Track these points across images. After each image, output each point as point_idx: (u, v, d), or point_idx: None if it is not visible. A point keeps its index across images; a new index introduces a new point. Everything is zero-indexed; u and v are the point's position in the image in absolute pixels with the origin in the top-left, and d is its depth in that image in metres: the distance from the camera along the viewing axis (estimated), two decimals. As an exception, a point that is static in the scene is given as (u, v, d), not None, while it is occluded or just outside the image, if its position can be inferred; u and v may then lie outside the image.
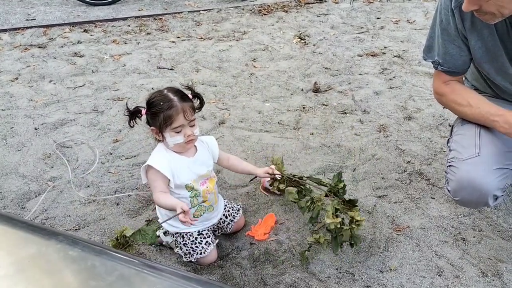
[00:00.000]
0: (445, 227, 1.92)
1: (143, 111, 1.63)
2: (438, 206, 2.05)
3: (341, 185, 1.77)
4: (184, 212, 1.49)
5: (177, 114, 1.57)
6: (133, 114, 1.64)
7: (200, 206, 1.70)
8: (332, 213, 1.64)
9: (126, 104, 1.67)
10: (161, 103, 1.58)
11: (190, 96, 1.67)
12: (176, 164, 1.64)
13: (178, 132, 1.60)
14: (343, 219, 1.67)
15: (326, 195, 1.78)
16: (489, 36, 1.50)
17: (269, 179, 2.11)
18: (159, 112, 1.57)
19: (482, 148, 1.58)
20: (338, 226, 1.62)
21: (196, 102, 1.70)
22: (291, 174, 1.92)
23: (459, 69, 1.65)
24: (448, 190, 1.67)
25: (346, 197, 1.78)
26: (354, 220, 1.65)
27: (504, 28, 1.46)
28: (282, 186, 1.86)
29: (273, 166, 1.92)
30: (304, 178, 1.89)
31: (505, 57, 1.52)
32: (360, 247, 1.83)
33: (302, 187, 1.85)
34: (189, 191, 1.67)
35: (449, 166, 1.66)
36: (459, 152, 1.63)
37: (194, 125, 1.64)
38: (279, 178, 1.89)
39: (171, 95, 1.60)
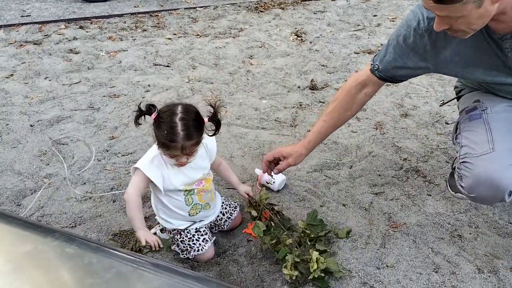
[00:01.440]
0: (441, 224, 1.93)
1: (153, 116, 1.52)
2: (435, 203, 2.05)
3: (323, 233, 1.77)
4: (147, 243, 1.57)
5: (175, 149, 1.50)
6: (143, 112, 1.53)
7: (195, 205, 1.69)
8: (291, 264, 1.59)
9: (139, 105, 1.53)
10: (165, 132, 1.48)
11: (206, 120, 1.56)
12: (169, 171, 1.59)
13: (172, 157, 1.55)
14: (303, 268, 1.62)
15: (298, 244, 1.72)
16: (465, 46, 1.53)
17: (267, 175, 2.12)
18: (160, 136, 1.50)
19: (495, 144, 1.58)
20: (294, 278, 1.59)
21: (209, 129, 1.60)
22: (271, 205, 1.89)
23: (388, 78, 1.75)
24: (462, 187, 1.65)
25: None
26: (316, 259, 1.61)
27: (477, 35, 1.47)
28: (254, 214, 1.84)
29: (250, 193, 1.90)
30: (280, 216, 1.85)
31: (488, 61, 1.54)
32: (357, 244, 1.83)
33: (273, 222, 1.81)
34: (182, 191, 1.65)
35: (463, 162, 1.63)
36: (472, 148, 1.62)
37: (191, 154, 1.56)
38: (253, 204, 1.87)
39: (178, 129, 1.47)
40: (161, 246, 1.64)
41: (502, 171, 1.52)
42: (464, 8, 1.26)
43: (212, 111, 1.59)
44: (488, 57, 1.53)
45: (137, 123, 1.53)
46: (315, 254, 1.61)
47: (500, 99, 1.71)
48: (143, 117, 1.54)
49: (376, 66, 1.73)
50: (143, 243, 1.59)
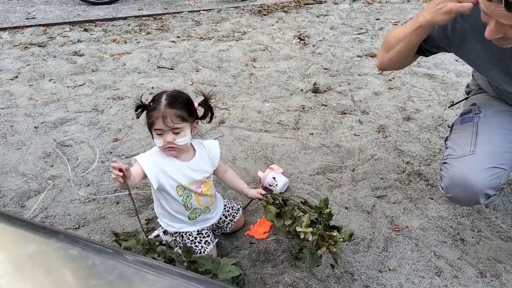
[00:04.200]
0: (444, 228, 1.93)
1: None
2: (437, 206, 2.05)
3: (327, 210, 1.68)
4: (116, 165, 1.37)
5: (157, 118, 1.51)
6: (143, 106, 1.56)
7: (194, 210, 1.68)
8: (306, 224, 1.55)
9: (140, 97, 1.59)
10: (151, 103, 1.55)
11: (196, 104, 1.59)
12: (167, 167, 1.59)
13: (160, 135, 1.54)
14: (317, 233, 1.55)
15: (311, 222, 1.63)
16: (491, 43, 1.50)
17: (269, 177, 2.12)
18: (147, 110, 1.55)
19: (477, 147, 1.60)
20: (310, 238, 1.51)
21: (200, 112, 1.62)
22: (282, 197, 1.78)
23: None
24: (442, 187, 1.69)
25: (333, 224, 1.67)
26: (332, 237, 1.56)
27: None
28: (273, 210, 1.72)
29: (263, 192, 1.84)
30: (293, 201, 1.75)
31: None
32: (360, 247, 1.83)
33: (286, 209, 1.71)
34: (180, 195, 1.63)
35: (444, 163, 1.68)
36: (454, 149, 1.66)
37: (178, 133, 1.54)
38: (270, 202, 1.77)
39: (163, 98, 1.54)
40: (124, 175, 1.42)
41: (477, 173, 1.54)
42: None
43: (201, 101, 1.63)
44: (509, 61, 1.52)
45: (137, 114, 1.58)
46: (329, 233, 1.53)
47: (498, 103, 1.72)
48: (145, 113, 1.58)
49: None
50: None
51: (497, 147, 1.60)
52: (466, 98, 1.97)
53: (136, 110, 1.58)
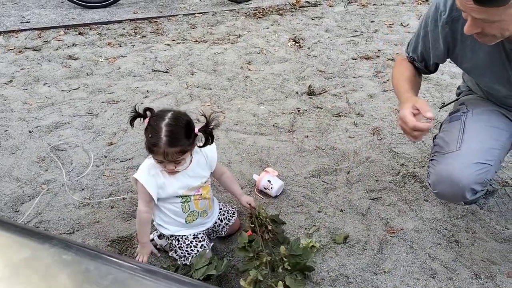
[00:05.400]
0: (438, 229, 1.94)
1: (147, 120, 1.53)
2: (432, 208, 2.06)
3: (303, 262, 1.64)
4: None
5: (158, 153, 1.49)
6: (138, 115, 1.54)
7: (192, 212, 1.69)
8: (252, 280, 1.52)
9: (135, 107, 1.56)
10: (150, 135, 1.49)
11: (197, 130, 1.53)
12: (165, 180, 1.60)
13: (160, 162, 1.54)
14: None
15: (272, 267, 1.64)
16: (480, 48, 1.53)
17: (265, 180, 2.13)
18: (146, 140, 1.51)
19: (463, 143, 1.63)
20: None
21: (199, 140, 1.57)
22: (266, 222, 1.81)
23: (422, 69, 1.80)
24: (429, 184, 1.71)
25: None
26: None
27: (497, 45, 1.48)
28: (251, 226, 1.80)
29: (253, 204, 1.86)
30: (270, 236, 1.78)
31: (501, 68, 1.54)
32: (355, 250, 1.84)
33: (263, 238, 1.73)
34: (179, 198, 1.65)
35: (431, 160, 1.70)
36: (441, 146, 1.68)
37: (179, 162, 1.54)
38: (252, 217, 1.82)
39: (162, 132, 1.46)
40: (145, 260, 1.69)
41: (462, 169, 1.56)
42: (506, 12, 1.22)
43: (201, 128, 1.55)
44: (498, 67, 1.54)
45: (132, 124, 1.55)
46: (279, 284, 1.53)
47: (486, 103, 1.75)
48: (140, 119, 1.55)
49: (413, 57, 1.77)
50: (136, 257, 1.69)
51: (484, 144, 1.62)
52: (456, 99, 1.99)
53: (131, 121, 1.55)
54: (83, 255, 0.96)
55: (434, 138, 1.81)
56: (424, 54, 1.73)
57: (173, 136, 1.48)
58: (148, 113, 1.54)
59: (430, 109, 1.46)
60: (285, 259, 1.64)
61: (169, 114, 1.51)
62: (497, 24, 1.27)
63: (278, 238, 1.83)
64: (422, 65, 1.77)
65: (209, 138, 1.58)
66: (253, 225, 1.79)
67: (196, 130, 1.54)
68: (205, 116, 1.58)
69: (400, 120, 1.51)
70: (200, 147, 1.60)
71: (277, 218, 1.95)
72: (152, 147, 1.49)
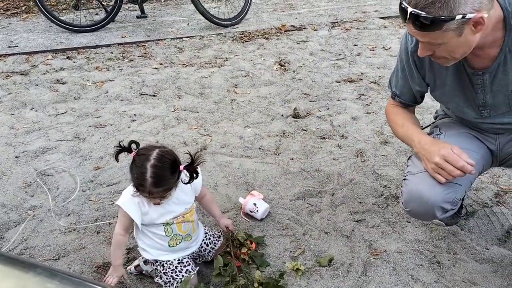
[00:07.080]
0: (420, 251, 1.98)
1: (132, 154, 1.56)
2: (414, 229, 2.10)
3: None
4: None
5: (143, 192, 1.54)
6: (124, 149, 1.57)
7: (175, 236, 1.70)
8: None
9: (120, 143, 1.58)
10: (135, 175, 1.52)
11: (181, 167, 1.56)
12: (149, 209, 1.63)
13: (146, 197, 1.59)
14: None
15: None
16: (447, 75, 1.62)
17: (250, 204, 2.15)
18: (132, 178, 1.55)
19: None
20: None
21: (184, 178, 1.61)
22: (243, 246, 1.89)
23: (411, 103, 1.86)
24: (402, 202, 1.76)
25: None
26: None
27: (458, 66, 1.57)
28: (227, 249, 1.85)
29: (230, 227, 1.91)
30: (248, 261, 1.85)
31: (462, 95, 1.64)
32: (339, 272, 1.86)
33: (238, 260, 1.81)
34: (161, 224, 1.67)
35: (404, 179, 1.76)
36: (413, 166, 1.73)
37: (164, 197, 1.58)
38: (228, 240, 1.88)
39: (147, 175, 1.49)
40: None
41: (431, 188, 1.61)
42: (445, 35, 1.31)
43: (189, 168, 1.59)
44: (464, 90, 1.63)
45: (117, 159, 1.59)
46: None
47: (459, 126, 1.83)
48: (125, 153, 1.58)
49: (396, 92, 1.85)
50: (105, 278, 1.71)
51: None
52: (433, 123, 2.06)
53: (116, 156, 1.59)
54: (68, 283, 0.97)
55: (408, 159, 1.87)
56: (406, 87, 1.80)
57: (159, 178, 1.51)
58: (133, 146, 1.57)
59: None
60: (258, 285, 1.69)
61: (154, 154, 1.53)
62: (443, 46, 1.37)
63: (256, 262, 1.86)
64: (408, 99, 1.84)
65: (193, 174, 1.62)
66: (228, 249, 1.82)
67: (181, 167, 1.57)
68: (191, 155, 1.61)
69: (440, 157, 1.54)
70: (185, 183, 1.62)
71: (259, 239, 1.97)
72: (138, 186, 1.55)
